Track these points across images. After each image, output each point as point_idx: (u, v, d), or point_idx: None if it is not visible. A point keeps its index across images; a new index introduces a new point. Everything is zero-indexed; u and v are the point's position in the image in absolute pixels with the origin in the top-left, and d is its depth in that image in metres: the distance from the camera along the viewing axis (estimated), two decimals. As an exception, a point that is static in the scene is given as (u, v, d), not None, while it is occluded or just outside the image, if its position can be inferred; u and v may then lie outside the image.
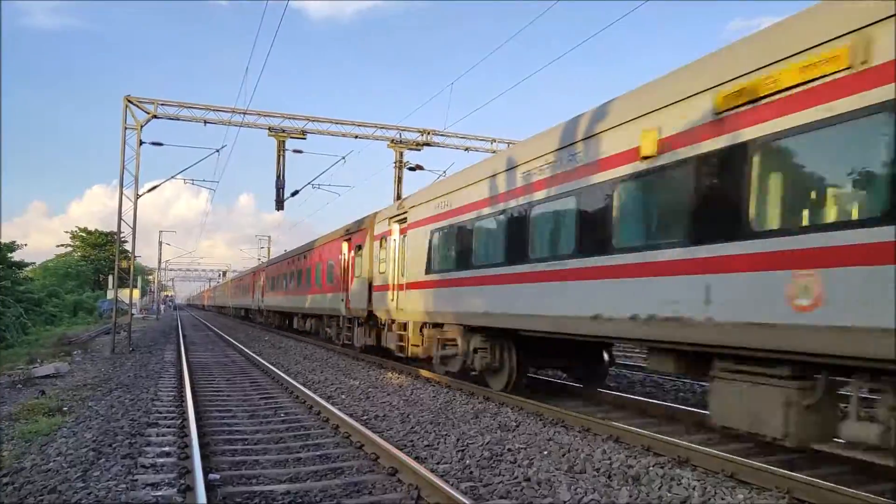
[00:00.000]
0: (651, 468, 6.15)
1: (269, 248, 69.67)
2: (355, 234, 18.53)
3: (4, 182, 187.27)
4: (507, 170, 9.79)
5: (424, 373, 13.58)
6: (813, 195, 5.28)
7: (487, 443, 7.09)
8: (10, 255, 40.74)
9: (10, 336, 25.90)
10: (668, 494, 5.48)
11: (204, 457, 6.51)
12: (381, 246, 15.82)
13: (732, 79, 5.78)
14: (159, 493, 5.59)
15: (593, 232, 7.68)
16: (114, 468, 6.32)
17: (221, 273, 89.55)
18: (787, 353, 5.15)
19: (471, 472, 6.15)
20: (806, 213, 5.25)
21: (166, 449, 7.22)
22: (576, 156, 8.06)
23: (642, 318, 6.64)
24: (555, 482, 5.58)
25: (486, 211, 10.33)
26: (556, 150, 8.49)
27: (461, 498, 4.92)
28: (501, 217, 9.80)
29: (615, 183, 7.28)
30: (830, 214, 5.05)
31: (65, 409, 10.64)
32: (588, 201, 7.77)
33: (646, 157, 6.71)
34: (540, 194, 8.84)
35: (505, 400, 10.27)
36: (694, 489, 5.55)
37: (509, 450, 6.71)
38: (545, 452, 6.89)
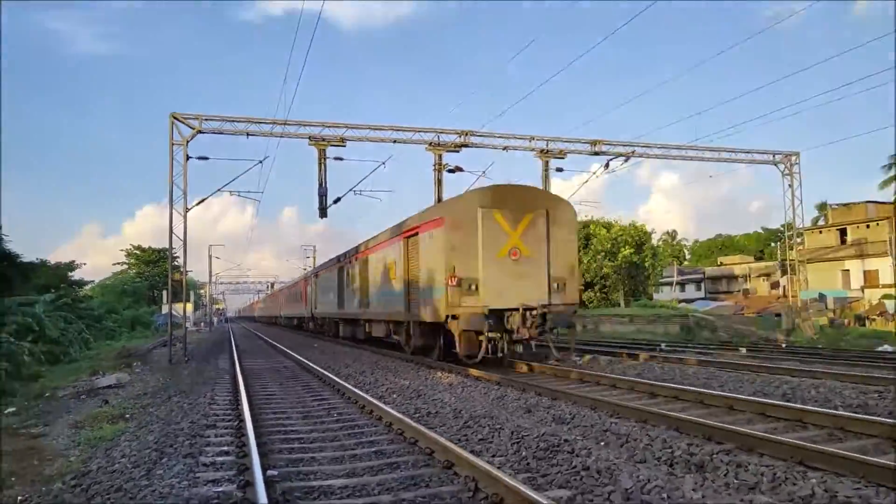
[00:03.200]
0: (715, 455, 5.95)
1: (314, 258, 70.68)
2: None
3: (62, 205, 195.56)
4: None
5: (474, 372, 13.51)
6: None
7: (542, 434, 6.98)
8: (70, 273, 42.43)
9: (73, 351, 26.86)
10: (735, 481, 5.29)
11: (262, 455, 6.59)
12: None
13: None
14: (220, 489, 5.67)
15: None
16: (176, 467, 6.45)
17: (269, 284, 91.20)
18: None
19: (527, 464, 6.06)
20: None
21: (225, 448, 7.35)
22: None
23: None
24: (615, 470, 5.44)
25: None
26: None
27: (519, 486, 4.84)
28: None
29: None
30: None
31: (127, 415, 10.97)
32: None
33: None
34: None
35: (558, 395, 10.16)
36: (762, 475, 5.34)
37: (566, 440, 6.58)
38: (602, 443, 6.75)
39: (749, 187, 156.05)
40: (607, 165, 28.11)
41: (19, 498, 6.59)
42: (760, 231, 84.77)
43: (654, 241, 45.10)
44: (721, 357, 17.18)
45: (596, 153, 27.79)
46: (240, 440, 7.64)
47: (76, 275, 43.55)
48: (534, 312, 13.34)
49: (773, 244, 73.74)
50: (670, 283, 43.61)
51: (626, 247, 39.26)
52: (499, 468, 5.74)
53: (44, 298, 27.28)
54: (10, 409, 13.62)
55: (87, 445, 8.79)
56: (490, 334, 13.27)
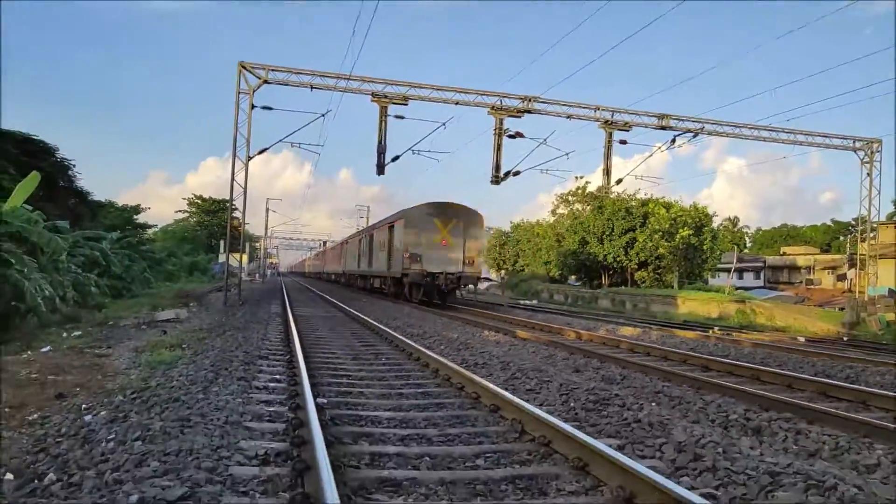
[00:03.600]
0: (774, 421, 5.74)
1: (367, 219, 71.54)
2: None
3: (132, 152, 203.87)
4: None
5: (522, 333, 13.45)
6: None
7: (592, 389, 6.87)
8: (135, 216, 44.13)
9: (135, 287, 28.07)
10: (795, 447, 5.08)
11: (312, 385, 6.71)
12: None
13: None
14: (272, 409, 5.81)
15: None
16: (231, 386, 6.64)
17: (322, 243, 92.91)
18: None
19: (576, 414, 5.98)
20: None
21: (276, 376, 7.53)
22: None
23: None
24: (668, 425, 5.30)
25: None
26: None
27: (566, 426, 4.76)
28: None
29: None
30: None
31: (184, 345, 11.37)
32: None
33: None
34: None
35: (607, 359, 10.00)
36: (824, 443, 5.11)
37: (616, 395, 6.47)
38: (654, 403, 6.59)
39: (820, 176, 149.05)
40: (674, 141, 27.19)
41: (83, 406, 6.93)
42: (830, 223, 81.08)
43: (715, 225, 43.49)
44: (779, 342, 16.60)
45: (662, 127, 26.88)
46: (290, 371, 7.81)
47: (140, 218, 45.29)
48: (452, 276, 22.61)
49: (841, 238, 70.49)
50: (728, 269, 42.20)
51: (686, 228, 38.07)
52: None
53: (110, 236, 28.42)
54: (76, 333, 14.36)
55: (147, 367, 9.17)
56: (425, 286, 22.74)
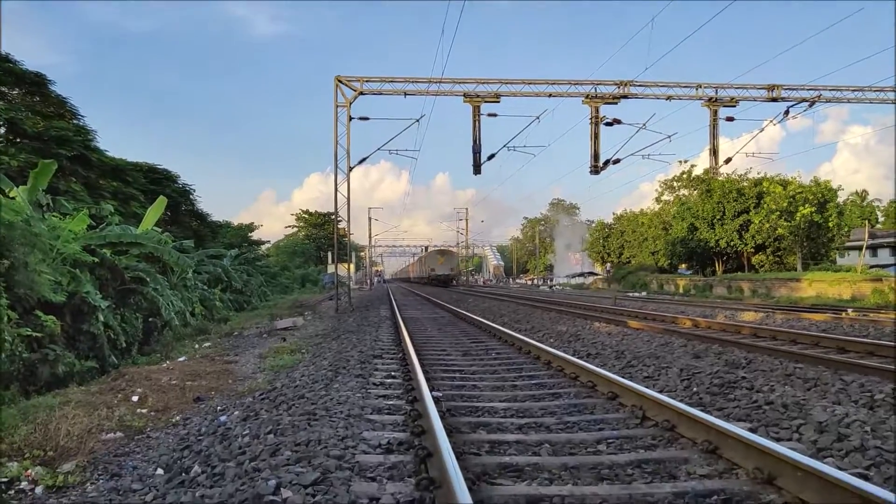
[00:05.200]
0: (930, 401, 5.19)
1: (466, 220, 72.16)
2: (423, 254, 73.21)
3: (246, 176, 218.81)
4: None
5: (634, 323, 13.04)
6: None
7: (716, 373, 6.53)
8: (250, 234, 46.97)
9: (254, 300, 29.90)
10: (958, 427, 4.57)
11: (426, 380, 6.82)
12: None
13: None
14: (390, 403, 5.96)
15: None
16: (350, 383, 6.90)
17: (424, 248, 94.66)
18: None
19: (700, 398, 5.70)
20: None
21: (392, 373, 7.72)
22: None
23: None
24: (805, 406, 4.93)
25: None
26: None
27: (692, 410, 4.54)
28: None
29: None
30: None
31: (303, 350, 11.96)
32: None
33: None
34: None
35: (728, 344, 9.47)
36: None
37: (743, 377, 6.10)
38: (787, 385, 6.16)
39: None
40: (787, 113, 25.41)
41: (218, 407, 7.45)
42: (976, 189, 72.58)
43: (840, 200, 39.93)
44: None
45: (773, 99, 25.23)
46: (404, 368, 7.99)
47: (254, 235, 48.19)
48: (443, 276, 60.68)
49: None
50: (859, 247, 38.71)
51: (807, 205, 35.27)
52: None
53: (230, 254, 30.43)
54: (207, 343, 15.48)
55: (271, 370, 9.73)
56: (435, 280, 61.24)
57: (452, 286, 58.68)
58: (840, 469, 3.43)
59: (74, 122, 23.55)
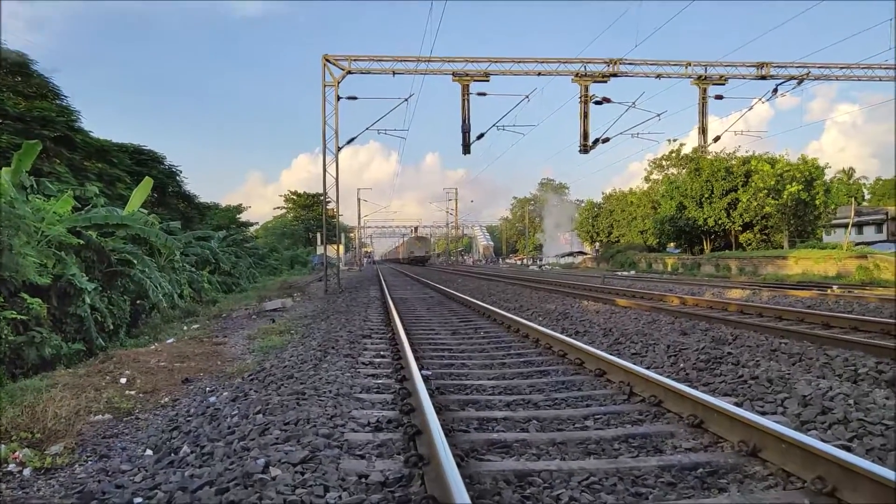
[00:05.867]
0: (912, 374, 5.27)
1: (455, 201, 72.12)
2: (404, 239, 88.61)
3: (232, 155, 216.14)
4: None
5: (622, 301, 13.11)
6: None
7: (702, 349, 6.59)
8: (238, 215, 46.65)
9: (243, 282, 29.73)
10: (939, 399, 4.64)
11: (415, 359, 6.83)
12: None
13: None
14: (379, 382, 5.98)
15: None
16: (339, 363, 6.90)
17: (413, 229, 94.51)
18: None
19: (686, 374, 5.76)
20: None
21: (381, 353, 7.73)
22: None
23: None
24: (790, 380, 4.99)
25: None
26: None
27: (678, 385, 4.58)
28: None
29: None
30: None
31: (292, 331, 11.94)
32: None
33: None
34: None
35: (715, 321, 9.56)
36: (974, 394, 4.64)
37: (729, 353, 6.16)
38: (771, 361, 6.23)
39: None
40: (775, 91, 25.43)
41: (207, 388, 7.44)
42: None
43: (827, 178, 40.14)
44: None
45: (762, 77, 25.20)
46: (394, 348, 7.99)
47: (242, 217, 47.83)
48: (419, 256, 74.25)
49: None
50: (845, 225, 39.03)
51: (794, 183, 35.47)
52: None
53: (217, 235, 30.19)
54: (195, 325, 15.42)
55: (260, 351, 9.71)
56: (414, 260, 74.27)
57: (428, 265, 74.79)
58: (823, 441, 3.48)
59: (57, 102, 23.18)
